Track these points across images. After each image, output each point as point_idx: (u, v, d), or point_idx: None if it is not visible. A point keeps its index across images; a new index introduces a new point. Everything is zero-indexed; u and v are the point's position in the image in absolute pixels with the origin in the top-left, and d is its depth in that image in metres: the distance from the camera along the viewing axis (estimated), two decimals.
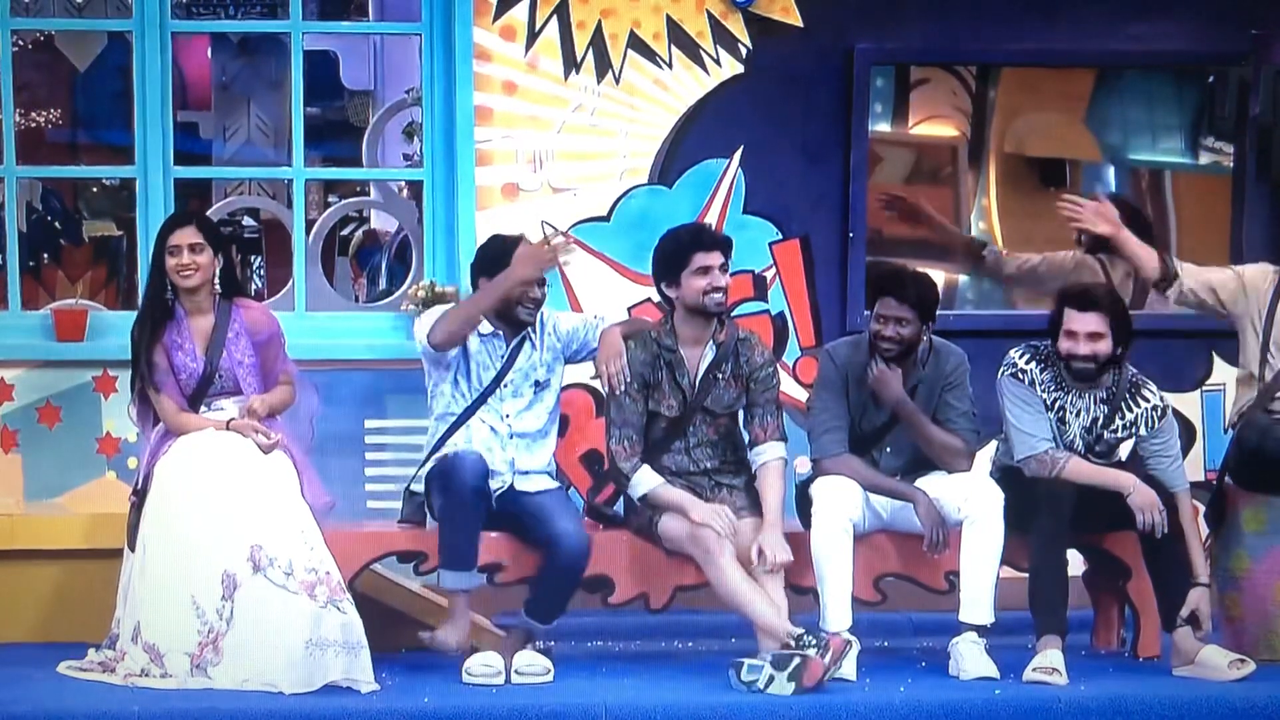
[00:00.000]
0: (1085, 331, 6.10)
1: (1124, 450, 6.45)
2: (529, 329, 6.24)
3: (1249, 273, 6.44)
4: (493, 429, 6.19)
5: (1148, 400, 6.24)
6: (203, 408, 6.08)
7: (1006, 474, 6.26)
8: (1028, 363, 6.23)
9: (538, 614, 6.02)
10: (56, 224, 11.04)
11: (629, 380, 6.11)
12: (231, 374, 6.07)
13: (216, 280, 6.12)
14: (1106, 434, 6.23)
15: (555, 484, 6.30)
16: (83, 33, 10.91)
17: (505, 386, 6.21)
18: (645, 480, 6.10)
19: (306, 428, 6.29)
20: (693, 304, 6.14)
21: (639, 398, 6.14)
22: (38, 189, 10.83)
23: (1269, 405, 6.28)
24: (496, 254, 6.22)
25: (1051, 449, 6.15)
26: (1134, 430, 6.23)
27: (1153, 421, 6.23)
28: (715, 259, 6.11)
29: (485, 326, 6.20)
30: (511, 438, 6.19)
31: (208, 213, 7.42)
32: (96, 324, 7.07)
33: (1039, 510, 6.06)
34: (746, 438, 6.29)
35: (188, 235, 6.06)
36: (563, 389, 6.61)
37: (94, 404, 6.96)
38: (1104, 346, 6.11)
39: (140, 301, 6.35)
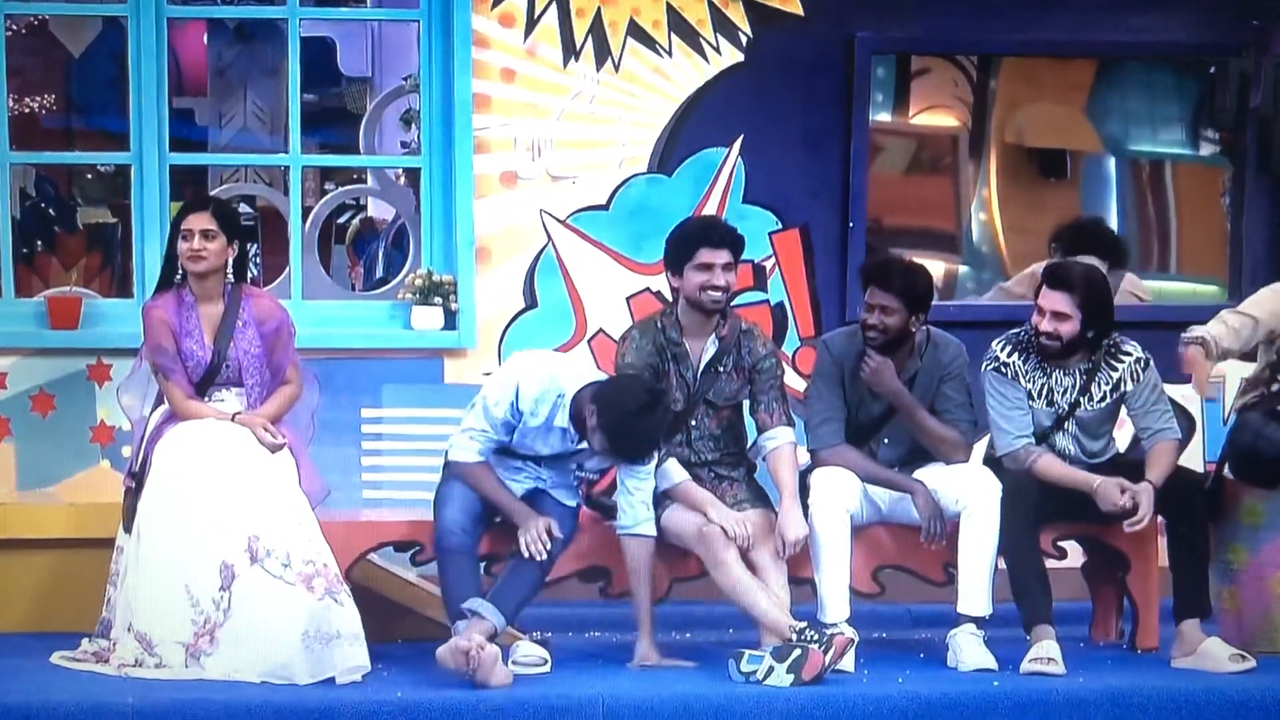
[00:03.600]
0: (1051, 309, 6.12)
1: (1121, 439, 6.44)
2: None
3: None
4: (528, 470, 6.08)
5: (1129, 355, 6.25)
6: (205, 397, 6.05)
7: (997, 465, 6.25)
8: (1009, 355, 6.22)
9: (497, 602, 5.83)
10: (50, 211, 10.97)
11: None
12: (237, 363, 6.04)
13: (229, 269, 6.09)
14: (1096, 402, 6.23)
15: (572, 502, 6.11)
16: (77, 17, 10.84)
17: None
18: (672, 474, 6.07)
19: (307, 420, 6.26)
20: (691, 298, 6.11)
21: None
22: (31, 175, 10.78)
23: (1270, 405, 6.28)
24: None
25: (1028, 444, 6.14)
26: (1121, 388, 6.23)
27: (1137, 374, 6.23)
28: (720, 257, 6.05)
29: (562, 420, 5.88)
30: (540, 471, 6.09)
31: None
32: (90, 312, 7.04)
33: (1004, 504, 6.07)
34: (752, 427, 6.27)
35: (201, 220, 6.01)
36: None
37: (88, 392, 6.93)
38: (1068, 327, 6.11)
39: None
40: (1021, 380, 6.20)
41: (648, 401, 5.76)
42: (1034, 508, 6.06)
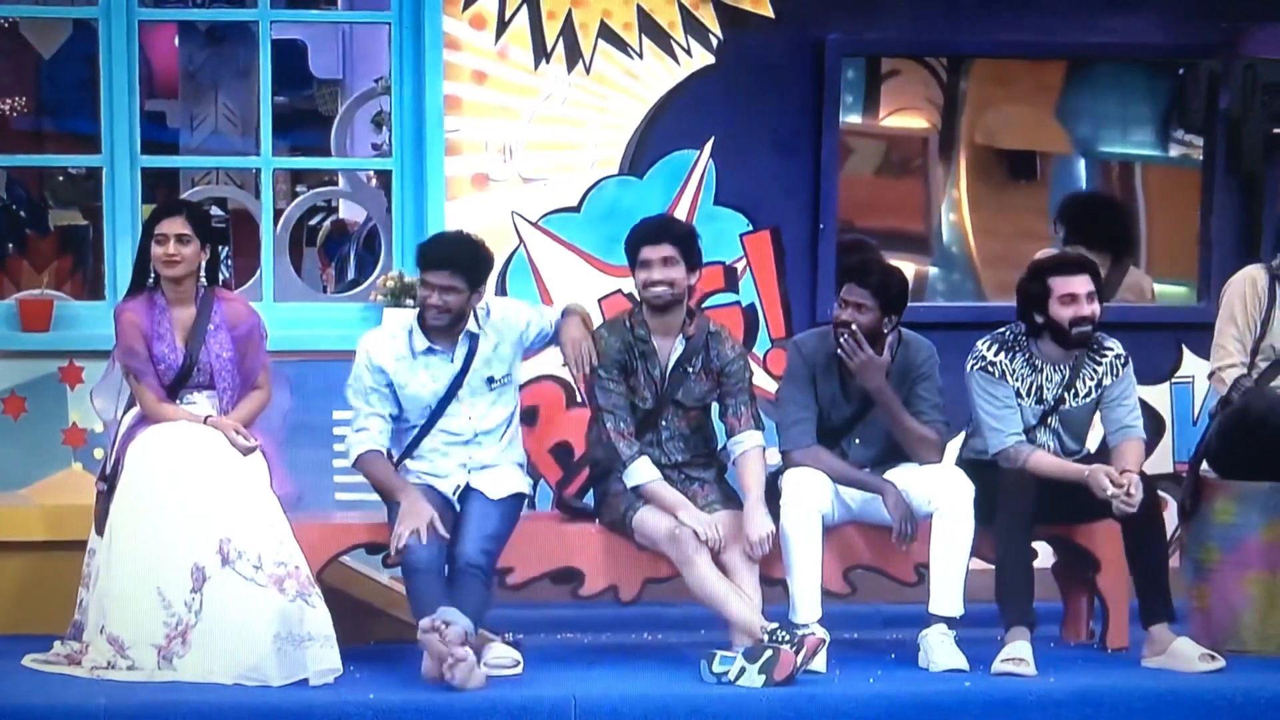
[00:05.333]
0: (1085, 292, 6.14)
1: (1093, 440, 6.47)
2: (472, 330, 6.07)
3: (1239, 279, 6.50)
4: (450, 433, 6.08)
5: (1110, 350, 6.30)
6: (177, 400, 6.04)
7: (973, 467, 6.27)
8: (996, 354, 6.24)
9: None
10: (22, 213, 10.96)
11: (597, 362, 6.02)
12: (209, 367, 6.03)
13: (202, 272, 6.08)
14: (1081, 398, 6.25)
15: (520, 488, 6.14)
16: (48, 20, 10.80)
17: (463, 390, 6.09)
18: (643, 472, 6.07)
19: (278, 422, 6.25)
20: (640, 295, 6.14)
21: (621, 381, 6.13)
22: (2, 178, 10.76)
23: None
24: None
25: (1020, 442, 6.16)
26: (1101, 382, 6.26)
27: (1117, 369, 6.28)
28: (660, 252, 6.06)
29: (420, 343, 6.05)
30: (476, 436, 6.11)
31: None
32: (62, 314, 7.01)
33: (1001, 503, 6.07)
34: (720, 430, 6.28)
35: (176, 225, 6.00)
36: (532, 380, 6.58)
37: (59, 394, 6.91)
38: (1098, 306, 6.17)
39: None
40: (1009, 379, 6.21)
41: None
42: (1033, 507, 6.07)
